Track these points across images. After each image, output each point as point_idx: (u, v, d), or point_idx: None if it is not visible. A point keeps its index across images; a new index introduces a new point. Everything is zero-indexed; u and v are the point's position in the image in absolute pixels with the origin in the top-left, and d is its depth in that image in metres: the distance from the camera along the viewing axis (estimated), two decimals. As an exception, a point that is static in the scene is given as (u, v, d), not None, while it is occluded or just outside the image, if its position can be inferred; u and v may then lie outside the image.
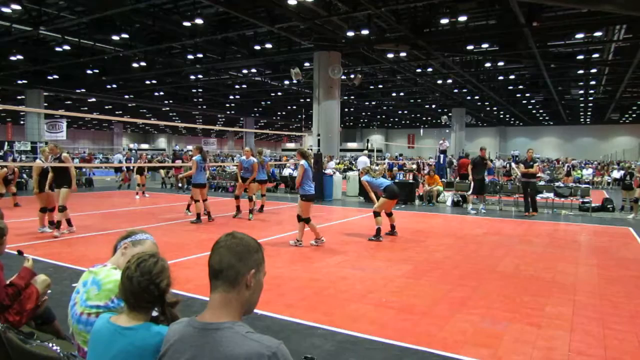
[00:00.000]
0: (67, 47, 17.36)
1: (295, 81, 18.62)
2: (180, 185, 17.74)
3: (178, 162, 19.23)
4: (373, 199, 8.21)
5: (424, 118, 48.87)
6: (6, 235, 2.56)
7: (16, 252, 2.75)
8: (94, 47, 18.47)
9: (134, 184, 16.68)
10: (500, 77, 25.29)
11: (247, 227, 9.02)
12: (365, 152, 17.84)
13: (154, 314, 1.65)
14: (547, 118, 46.31)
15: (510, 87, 28.44)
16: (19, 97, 30.85)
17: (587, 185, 13.78)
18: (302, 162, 7.14)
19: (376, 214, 7.74)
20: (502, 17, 14.47)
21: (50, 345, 1.90)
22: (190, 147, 34.12)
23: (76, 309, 1.93)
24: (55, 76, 24.98)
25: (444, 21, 14.62)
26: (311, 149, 16.07)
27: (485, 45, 17.91)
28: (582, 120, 46.41)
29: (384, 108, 39.94)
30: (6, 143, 26.00)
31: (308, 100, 31.10)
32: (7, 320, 2.33)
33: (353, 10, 13.22)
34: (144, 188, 15.10)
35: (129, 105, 37.16)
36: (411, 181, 15.03)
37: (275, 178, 17.29)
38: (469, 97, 31.26)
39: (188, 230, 8.37)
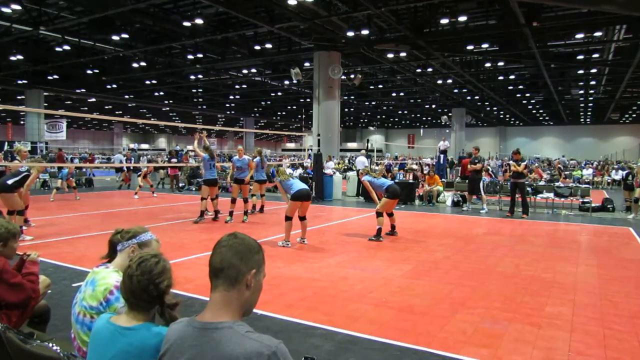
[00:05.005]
0: (67, 47, 17.38)
1: (295, 81, 18.61)
2: (182, 185, 17.72)
3: (181, 162, 19.22)
4: (375, 199, 8.22)
5: (424, 118, 48.87)
6: (16, 238, 2.53)
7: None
8: (94, 47, 18.48)
9: (134, 184, 16.69)
10: (500, 77, 25.29)
11: (247, 227, 9.02)
12: (363, 151, 17.80)
13: None
14: (547, 118, 46.31)
15: (510, 87, 28.45)
16: (19, 97, 30.86)
17: (587, 185, 13.76)
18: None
19: (378, 214, 7.73)
20: (502, 17, 14.47)
21: (50, 345, 1.89)
22: (190, 147, 34.16)
23: (75, 308, 1.94)
24: (55, 76, 24.98)
25: (444, 21, 14.61)
26: (311, 149, 16.08)
27: (485, 45, 17.91)
28: (582, 120, 46.42)
29: (384, 108, 39.94)
30: (6, 143, 25.99)
31: (308, 100, 31.09)
32: (9, 321, 2.33)
33: (353, 10, 13.22)
34: (153, 188, 15.25)
35: (129, 105, 37.18)
36: (411, 181, 15.02)
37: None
38: (469, 97, 31.27)
39: (188, 230, 8.37)
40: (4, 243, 2.44)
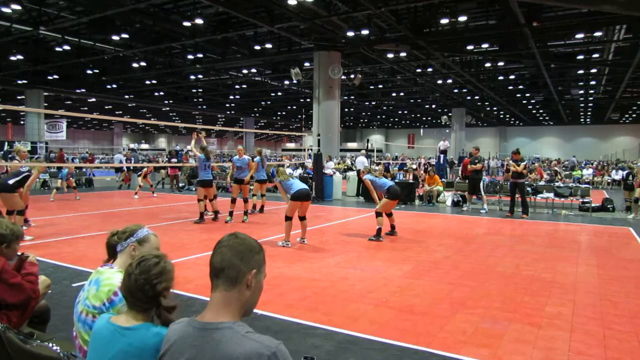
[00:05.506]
0: (67, 47, 17.36)
1: (295, 81, 18.61)
2: (182, 185, 17.71)
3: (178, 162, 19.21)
4: (375, 199, 8.23)
5: (424, 118, 48.86)
6: (19, 240, 2.53)
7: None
8: (94, 47, 18.47)
9: (134, 184, 16.69)
10: (500, 77, 25.29)
11: (248, 227, 9.02)
12: (363, 151, 17.81)
13: None
14: (547, 118, 46.30)
15: (510, 87, 28.45)
16: (19, 97, 30.85)
17: (587, 185, 13.76)
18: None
19: (378, 214, 7.74)
20: (502, 17, 14.47)
21: (50, 345, 1.89)
22: (189, 147, 34.20)
23: (78, 307, 1.94)
24: (55, 76, 24.97)
25: (444, 21, 14.59)
26: (311, 149, 16.08)
27: (485, 45, 17.91)
28: (582, 120, 46.41)
29: (384, 108, 39.93)
30: (6, 143, 25.98)
31: (308, 100, 31.08)
32: (9, 321, 2.33)
33: (353, 10, 13.21)
34: (153, 188, 15.31)
35: (129, 105, 37.16)
36: (411, 181, 15.03)
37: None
38: (469, 97, 31.26)
39: (188, 230, 8.37)
40: (7, 244, 2.44)
